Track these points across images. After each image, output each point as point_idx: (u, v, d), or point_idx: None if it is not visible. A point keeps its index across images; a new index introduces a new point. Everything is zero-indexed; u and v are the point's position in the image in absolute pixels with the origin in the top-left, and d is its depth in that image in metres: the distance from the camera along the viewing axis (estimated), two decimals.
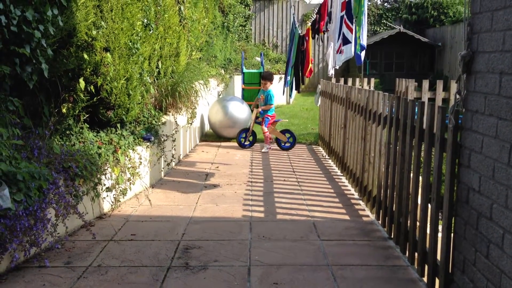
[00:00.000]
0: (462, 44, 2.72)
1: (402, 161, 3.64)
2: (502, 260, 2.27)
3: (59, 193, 3.54)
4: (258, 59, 14.36)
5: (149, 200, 4.81)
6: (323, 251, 3.61)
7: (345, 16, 5.21)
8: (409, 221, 3.47)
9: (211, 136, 9.00)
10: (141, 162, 5.09)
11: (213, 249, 3.62)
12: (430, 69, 17.88)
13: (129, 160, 4.83)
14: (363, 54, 4.79)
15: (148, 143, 5.41)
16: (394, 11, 19.63)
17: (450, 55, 16.53)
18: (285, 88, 8.43)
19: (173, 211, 4.59)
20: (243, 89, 11.35)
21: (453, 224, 2.83)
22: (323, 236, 3.92)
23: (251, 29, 18.66)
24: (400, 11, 19.45)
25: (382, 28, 19.39)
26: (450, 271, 2.84)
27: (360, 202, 4.92)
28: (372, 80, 8.18)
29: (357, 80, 7.24)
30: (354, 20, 4.87)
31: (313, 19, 6.76)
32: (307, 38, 6.72)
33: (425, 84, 7.70)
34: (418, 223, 3.30)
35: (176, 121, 6.74)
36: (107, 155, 4.47)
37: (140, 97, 5.36)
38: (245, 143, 7.88)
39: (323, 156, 7.41)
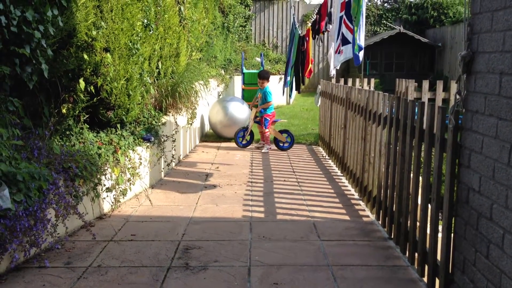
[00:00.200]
0: (462, 44, 2.72)
1: (402, 161, 3.64)
2: (502, 260, 2.27)
3: (59, 193, 3.54)
4: (258, 59, 14.37)
5: (150, 200, 4.81)
6: (323, 251, 3.61)
7: (344, 17, 5.22)
8: (409, 221, 3.47)
9: (211, 136, 9.00)
10: (141, 163, 5.09)
11: (213, 249, 3.61)
12: (430, 69, 17.88)
13: (129, 160, 4.83)
14: (361, 54, 4.79)
15: (148, 144, 5.41)
16: (394, 11, 19.63)
17: (450, 56, 16.54)
18: (285, 89, 8.43)
19: (173, 211, 4.58)
20: (243, 89, 11.36)
21: (453, 224, 2.82)
22: (323, 236, 3.92)
23: (251, 30, 18.66)
24: (400, 11, 19.45)
25: (382, 29, 19.39)
26: (450, 271, 2.84)
27: (360, 202, 4.92)
28: (372, 81, 8.19)
29: (357, 80, 7.24)
30: (353, 20, 4.88)
31: (313, 19, 6.76)
32: (307, 38, 6.72)
33: (425, 84, 7.70)
34: (418, 223, 3.30)
35: (176, 122, 6.74)
36: (107, 155, 4.47)
37: (140, 98, 5.36)
38: (242, 142, 7.87)
39: (323, 156, 7.41)
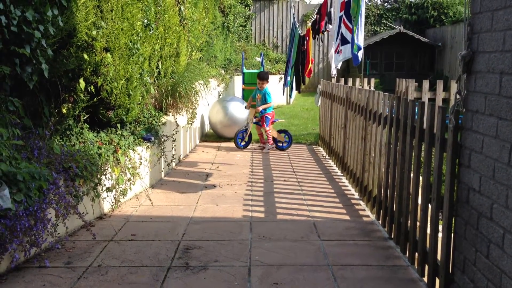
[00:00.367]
0: (462, 44, 2.72)
1: (402, 161, 3.64)
2: (502, 260, 2.27)
3: (59, 193, 3.54)
4: (258, 59, 14.37)
5: (150, 200, 4.81)
6: (324, 251, 3.61)
7: (343, 16, 5.22)
8: (409, 221, 3.47)
9: (211, 136, 9.00)
10: (141, 163, 5.09)
11: (213, 249, 3.62)
12: (430, 69, 17.89)
13: (129, 160, 4.83)
14: (360, 54, 4.79)
15: (148, 144, 5.41)
16: (394, 11, 19.63)
17: (450, 55, 16.54)
18: (285, 88, 8.44)
19: (174, 211, 4.58)
20: (243, 89, 11.36)
21: (453, 224, 2.82)
22: (324, 236, 3.92)
23: (251, 29, 18.66)
24: (400, 11, 19.45)
25: (382, 28, 19.38)
26: (450, 271, 2.84)
27: (361, 202, 4.92)
28: (372, 80, 8.19)
29: (357, 80, 7.23)
30: (352, 20, 4.88)
31: (313, 19, 6.76)
32: (307, 38, 6.72)
33: (425, 84, 7.69)
34: (418, 223, 3.30)
35: (176, 122, 6.74)
36: (107, 155, 4.47)
37: (140, 98, 5.36)
38: (241, 143, 7.88)
39: (323, 156, 7.41)
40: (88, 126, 4.73)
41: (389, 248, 3.71)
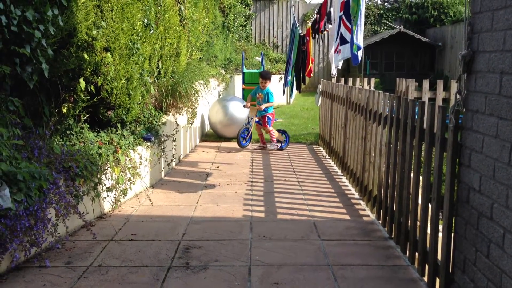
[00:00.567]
0: (463, 43, 2.72)
1: (402, 160, 3.64)
2: (502, 260, 2.27)
3: (60, 193, 3.54)
4: (259, 59, 14.37)
5: (150, 200, 4.81)
6: (324, 251, 3.61)
7: (343, 16, 5.22)
8: (409, 221, 3.47)
9: (212, 136, 9.00)
10: (141, 162, 5.09)
11: (213, 249, 3.62)
12: (431, 69, 17.88)
13: (130, 160, 4.84)
14: (360, 54, 4.79)
15: (148, 143, 5.41)
16: (394, 11, 19.63)
17: (450, 55, 16.53)
18: (286, 88, 8.44)
19: (174, 211, 4.59)
20: (243, 89, 11.35)
21: (453, 224, 2.82)
22: (324, 236, 3.92)
23: (251, 29, 18.66)
24: (401, 11, 19.45)
25: (382, 28, 19.38)
26: (450, 271, 2.84)
27: (361, 202, 4.92)
28: (373, 80, 8.18)
29: (358, 80, 7.23)
30: (351, 20, 4.88)
31: (313, 19, 6.75)
32: (307, 38, 6.72)
33: (426, 84, 7.69)
34: (418, 223, 3.30)
35: (176, 121, 6.74)
36: (108, 155, 4.47)
37: (140, 97, 5.36)
38: (243, 142, 7.89)
39: (323, 156, 7.41)
40: (88, 125, 4.73)
41: (389, 247, 3.71)
